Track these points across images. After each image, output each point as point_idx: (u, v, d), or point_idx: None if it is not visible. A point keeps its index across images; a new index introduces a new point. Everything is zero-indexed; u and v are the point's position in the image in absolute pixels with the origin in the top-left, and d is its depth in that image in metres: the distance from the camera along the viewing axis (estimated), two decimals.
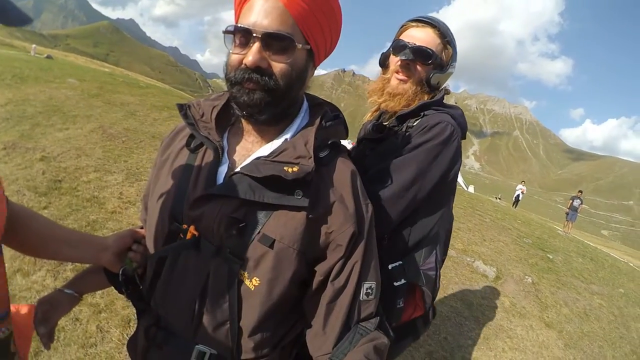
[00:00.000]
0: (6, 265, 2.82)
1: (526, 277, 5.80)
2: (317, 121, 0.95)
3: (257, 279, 0.87)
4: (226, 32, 0.86)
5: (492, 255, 6.38)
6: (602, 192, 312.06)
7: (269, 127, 0.94)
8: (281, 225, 0.86)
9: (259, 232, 0.86)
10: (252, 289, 0.88)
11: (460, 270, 5.37)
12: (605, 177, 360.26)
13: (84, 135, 6.56)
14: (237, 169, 0.89)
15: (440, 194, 1.37)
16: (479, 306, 4.57)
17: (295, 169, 0.83)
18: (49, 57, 19.13)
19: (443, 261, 1.57)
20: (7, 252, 2.87)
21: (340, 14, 0.93)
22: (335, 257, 0.90)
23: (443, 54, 1.45)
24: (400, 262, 1.35)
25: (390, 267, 1.33)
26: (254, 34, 0.81)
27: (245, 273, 0.87)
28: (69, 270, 3.18)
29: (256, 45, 0.81)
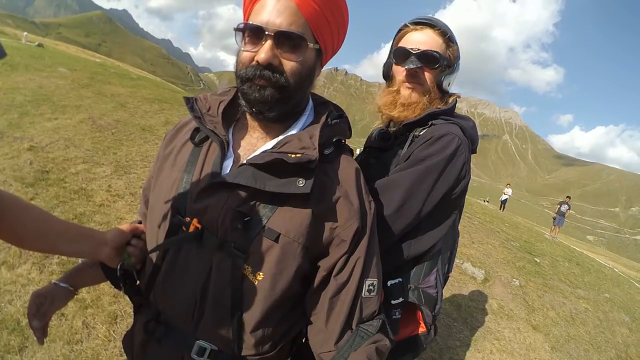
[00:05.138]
0: None
1: (514, 280, 5.86)
2: (323, 118, 0.96)
3: (261, 274, 0.87)
4: (237, 29, 0.86)
5: (481, 257, 6.43)
6: (588, 198, 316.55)
7: (275, 123, 0.95)
8: (287, 220, 0.86)
9: (264, 226, 0.85)
10: (256, 284, 0.87)
11: None
12: (592, 183, 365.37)
13: (73, 125, 6.46)
14: (243, 162, 0.88)
15: (443, 210, 1.31)
16: (468, 308, 4.60)
17: (298, 155, 0.84)
18: (40, 45, 18.87)
19: (447, 279, 1.52)
20: None
21: (348, 15, 0.94)
22: (339, 252, 0.90)
23: (448, 52, 1.37)
24: (400, 280, 1.31)
25: (389, 284, 1.30)
26: (267, 32, 0.82)
27: (249, 267, 0.87)
28: (55, 264, 3.12)
29: (268, 43, 0.82)
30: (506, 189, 24.65)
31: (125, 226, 1.08)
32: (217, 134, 0.92)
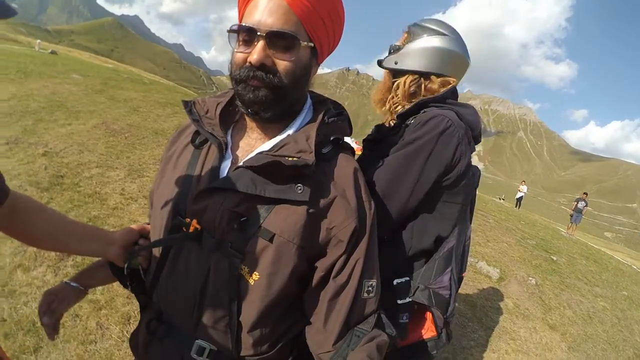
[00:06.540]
0: (7, 260, 2.79)
1: (530, 278, 5.77)
2: (320, 117, 0.95)
3: (257, 274, 0.87)
4: (231, 31, 0.86)
5: (496, 256, 6.35)
6: (605, 195, 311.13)
7: (272, 123, 0.94)
8: (282, 220, 0.85)
9: (259, 227, 0.85)
10: (252, 284, 0.87)
11: None
12: (609, 179, 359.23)
13: (87, 130, 6.57)
14: (240, 164, 0.88)
15: (442, 200, 1.28)
16: (482, 307, 4.54)
17: (294, 159, 0.83)
18: (53, 52, 19.18)
19: (461, 280, 1.46)
20: (8, 247, 2.84)
21: (343, 12, 0.93)
22: (336, 253, 0.89)
23: (401, 42, 1.49)
24: (407, 278, 1.27)
25: (395, 282, 1.26)
26: (259, 33, 0.82)
27: (246, 268, 0.87)
28: (70, 266, 3.17)
29: (260, 44, 0.82)
30: (521, 187, 24.35)
31: (134, 226, 1.11)
32: (215, 136, 0.93)
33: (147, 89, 12.32)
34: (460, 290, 4.62)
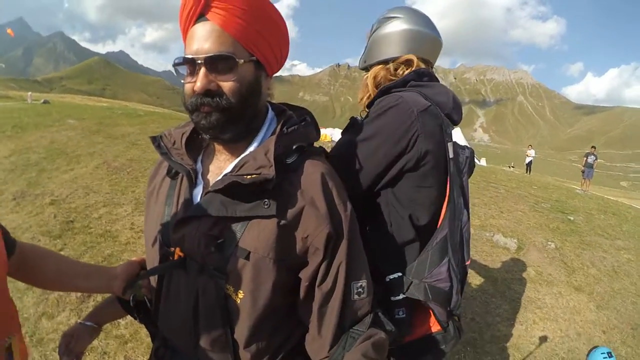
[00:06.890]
0: (31, 311, 2.86)
1: (549, 243, 5.73)
2: (278, 129, 0.95)
3: (242, 292, 0.89)
4: (175, 65, 0.89)
5: (511, 226, 6.31)
6: (614, 144, 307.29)
7: (236, 143, 0.96)
8: (255, 237, 0.87)
9: (236, 246, 0.88)
10: (239, 302, 0.90)
11: (480, 247, 5.30)
12: (615, 128, 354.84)
13: (90, 172, 6.65)
14: (210, 189, 0.91)
15: (409, 185, 1.25)
16: (504, 280, 4.51)
17: (254, 176, 0.85)
18: (45, 102, 19.24)
19: (465, 270, 1.39)
20: (30, 298, 2.89)
21: (282, 21, 0.94)
22: (316, 261, 0.90)
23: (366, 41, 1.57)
24: (400, 274, 1.24)
25: (388, 279, 1.24)
26: (198, 61, 0.84)
27: (231, 287, 0.89)
28: (92, 307, 3.21)
29: (202, 71, 0.84)
30: (529, 151, 24.13)
31: (134, 259, 1.18)
32: (183, 165, 0.96)
33: (142, 121, 12.43)
34: (479, 267, 4.62)
